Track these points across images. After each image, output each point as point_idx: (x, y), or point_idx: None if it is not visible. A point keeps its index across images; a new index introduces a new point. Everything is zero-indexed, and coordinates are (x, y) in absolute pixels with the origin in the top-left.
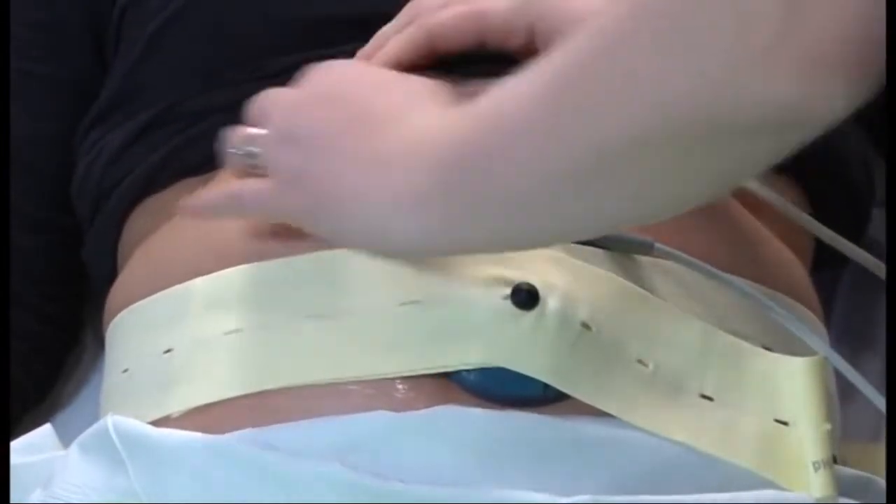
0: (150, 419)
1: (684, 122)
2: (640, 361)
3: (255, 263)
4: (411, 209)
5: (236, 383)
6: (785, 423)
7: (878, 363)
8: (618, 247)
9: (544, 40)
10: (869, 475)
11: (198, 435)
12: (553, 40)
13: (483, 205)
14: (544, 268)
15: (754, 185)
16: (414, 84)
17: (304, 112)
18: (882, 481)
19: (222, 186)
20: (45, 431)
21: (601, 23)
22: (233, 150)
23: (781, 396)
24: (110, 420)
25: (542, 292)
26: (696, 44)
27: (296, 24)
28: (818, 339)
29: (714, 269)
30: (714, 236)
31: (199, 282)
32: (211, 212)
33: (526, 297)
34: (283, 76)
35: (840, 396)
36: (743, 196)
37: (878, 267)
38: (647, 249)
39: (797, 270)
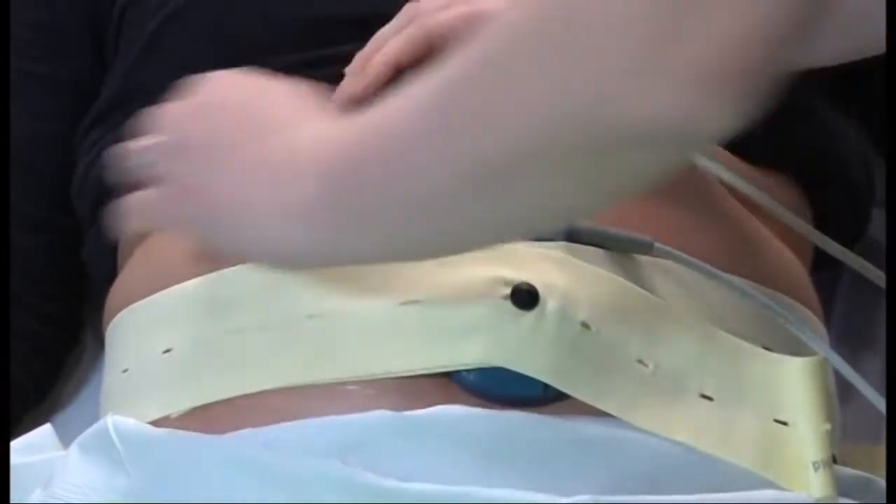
0: (149, 419)
1: (567, 136)
2: (639, 361)
3: (254, 263)
4: (299, 219)
5: (236, 383)
6: (785, 424)
7: (878, 363)
8: (618, 247)
9: None
10: (869, 475)
11: (198, 435)
12: None
13: (369, 215)
14: (544, 268)
15: (754, 194)
16: (303, 95)
17: (194, 123)
18: (882, 481)
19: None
20: (45, 431)
21: (489, 34)
22: (130, 162)
23: (781, 396)
24: (110, 420)
25: (542, 292)
26: (578, 59)
27: (296, 24)
28: (818, 339)
29: (714, 269)
30: (714, 236)
31: (198, 282)
32: (125, 225)
33: (526, 297)
34: (283, 76)
35: (840, 396)
36: (743, 197)
37: (879, 277)
38: (647, 249)
39: (797, 270)
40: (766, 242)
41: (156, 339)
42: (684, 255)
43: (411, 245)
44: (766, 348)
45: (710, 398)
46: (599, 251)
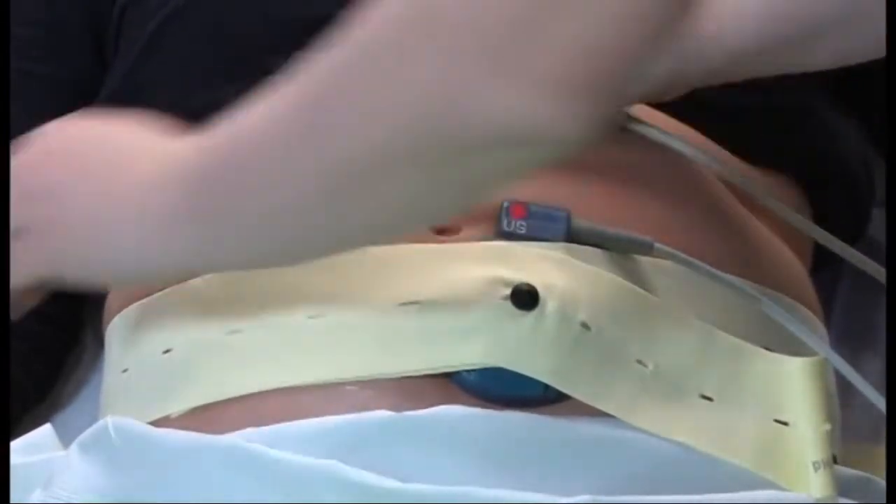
0: (149, 419)
1: (417, 141)
2: (639, 362)
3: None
4: (156, 231)
5: (236, 383)
6: (785, 424)
7: (878, 363)
8: (618, 247)
9: None
10: (869, 475)
11: (198, 435)
12: None
13: (226, 224)
14: (544, 268)
15: (755, 192)
16: (146, 127)
17: (42, 169)
18: (882, 481)
19: None
20: (45, 431)
21: (346, 39)
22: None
23: (781, 396)
24: (110, 420)
25: (541, 293)
26: (436, 60)
27: (296, 24)
28: (818, 339)
29: (714, 270)
30: (714, 236)
31: (198, 282)
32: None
33: (526, 297)
34: (282, 75)
35: (840, 396)
36: (742, 196)
37: (878, 272)
38: (647, 250)
39: (797, 270)
40: (766, 242)
41: (156, 339)
42: (684, 256)
43: (274, 252)
44: (766, 348)
45: (709, 398)
46: (599, 251)
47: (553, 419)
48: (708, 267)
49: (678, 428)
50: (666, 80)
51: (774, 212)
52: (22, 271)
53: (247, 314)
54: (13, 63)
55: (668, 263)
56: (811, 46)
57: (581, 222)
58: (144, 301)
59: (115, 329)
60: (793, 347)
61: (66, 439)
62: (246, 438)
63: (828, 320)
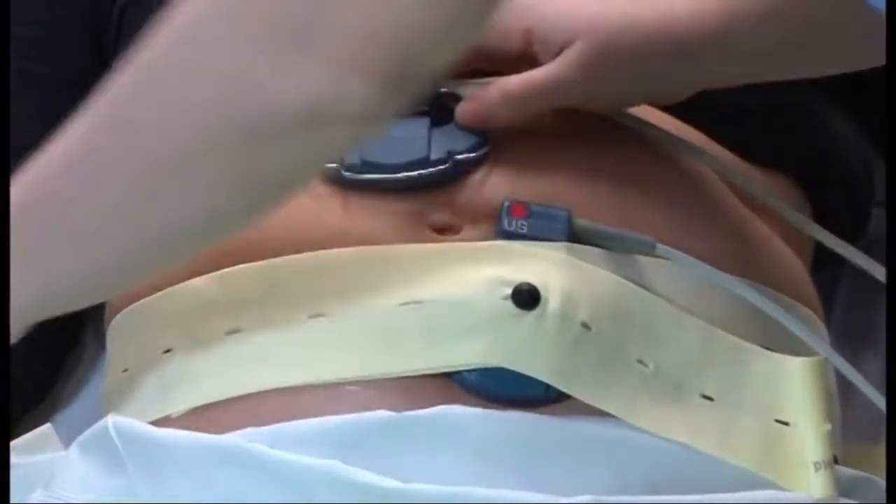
0: (150, 419)
1: (212, 131)
2: (640, 361)
3: (255, 263)
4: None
5: (236, 383)
6: (785, 424)
7: (878, 363)
8: (619, 247)
9: (543, 44)
10: (869, 475)
11: (198, 435)
12: (553, 44)
13: (48, 255)
14: (545, 268)
15: (755, 191)
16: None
17: None
18: (882, 481)
19: None
20: (45, 431)
21: (147, 45)
22: None
23: (782, 396)
24: (110, 420)
25: (542, 293)
26: (222, 52)
27: None
28: (818, 339)
29: (714, 269)
30: (715, 236)
31: (199, 282)
32: None
33: (527, 297)
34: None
35: (840, 396)
36: (743, 196)
37: (879, 271)
38: (648, 249)
39: (797, 270)
40: (766, 242)
41: (156, 339)
42: (685, 256)
43: (106, 271)
44: (767, 348)
45: (710, 398)
46: (600, 251)
47: (554, 419)
48: (709, 267)
49: (678, 428)
50: (681, 83)
51: (775, 211)
52: None
53: (247, 314)
54: (13, 63)
55: (668, 263)
56: (819, 49)
57: (582, 222)
58: (145, 301)
59: (116, 329)
60: (793, 347)
61: (66, 439)
62: (246, 438)
63: (828, 320)
